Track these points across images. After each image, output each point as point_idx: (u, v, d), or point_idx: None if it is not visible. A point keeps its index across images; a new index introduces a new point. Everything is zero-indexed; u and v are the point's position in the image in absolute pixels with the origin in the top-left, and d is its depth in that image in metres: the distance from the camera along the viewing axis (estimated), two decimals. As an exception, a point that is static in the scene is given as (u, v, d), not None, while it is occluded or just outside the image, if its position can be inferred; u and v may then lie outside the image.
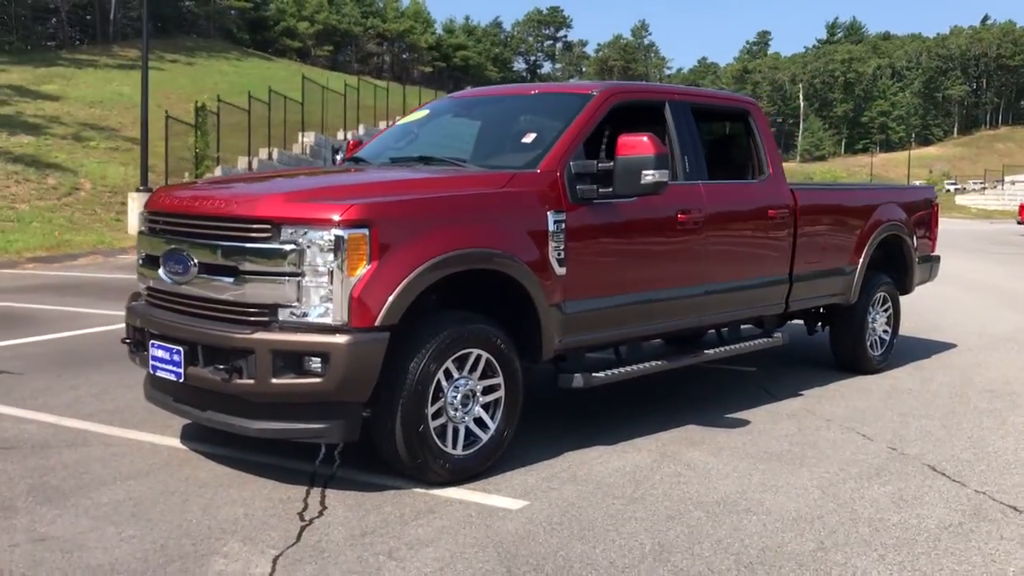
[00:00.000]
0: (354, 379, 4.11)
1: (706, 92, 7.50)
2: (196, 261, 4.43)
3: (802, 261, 6.65)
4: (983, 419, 6.11)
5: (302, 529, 3.91)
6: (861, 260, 7.22)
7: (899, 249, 7.86)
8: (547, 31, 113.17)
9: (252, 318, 4.24)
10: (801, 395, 6.72)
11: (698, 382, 7.13)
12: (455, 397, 4.50)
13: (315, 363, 4.10)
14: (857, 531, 4.05)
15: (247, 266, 4.23)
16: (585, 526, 4.02)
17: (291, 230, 4.14)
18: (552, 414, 5.95)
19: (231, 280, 4.29)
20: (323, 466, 4.73)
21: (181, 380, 4.42)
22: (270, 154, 29.18)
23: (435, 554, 3.67)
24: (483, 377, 4.64)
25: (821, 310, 7.53)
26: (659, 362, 5.63)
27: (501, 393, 4.70)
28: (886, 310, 7.75)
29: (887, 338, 7.76)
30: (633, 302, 5.35)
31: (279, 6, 72.25)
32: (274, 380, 4.12)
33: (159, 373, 4.55)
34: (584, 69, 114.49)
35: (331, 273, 4.09)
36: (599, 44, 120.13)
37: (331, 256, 4.08)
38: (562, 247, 4.88)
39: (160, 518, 4.00)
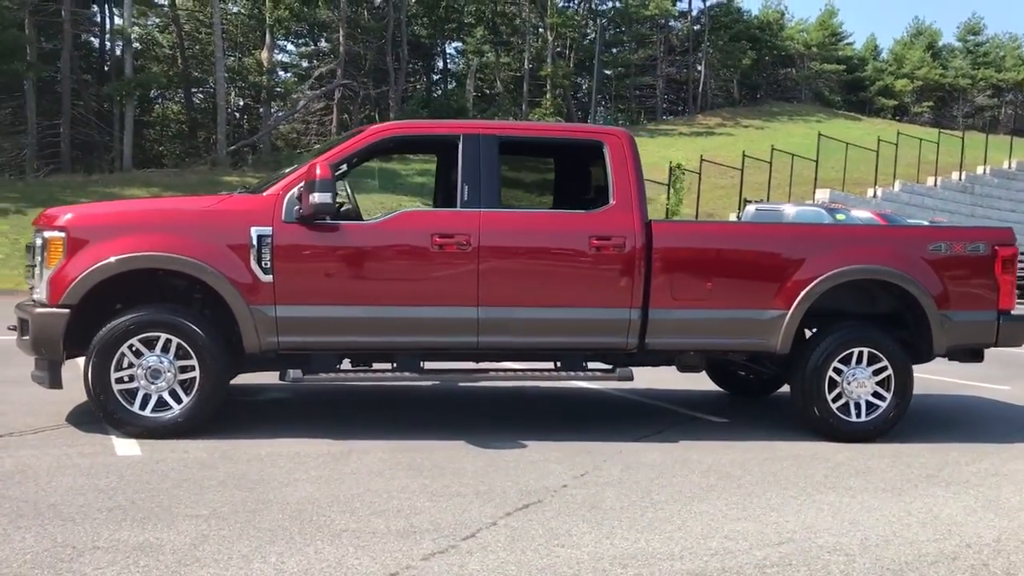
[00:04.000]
0: (41, 341, 5.66)
1: (532, 126, 7.19)
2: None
3: (667, 297, 6.12)
4: (799, 496, 5.10)
5: (-12, 441, 5.60)
6: (794, 306, 6.21)
7: (905, 301, 6.45)
8: None
9: (30, 296, 6.06)
10: (676, 443, 6.17)
11: (620, 418, 6.92)
12: (144, 370, 5.72)
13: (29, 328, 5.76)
14: (286, 525, 4.32)
15: (29, 260, 6.08)
16: (120, 475, 4.92)
17: (38, 234, 5.88)
18: (331, 410, 6.75)
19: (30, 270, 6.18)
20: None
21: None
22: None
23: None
24: (179, 358, 5.75)
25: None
26: (402, 374, 6.03)
27: (196, 374, 5.76)
28: (877, 371, 6.39)
29: (882, 404, 6.39)
30: (370, 316, 5.85)
31: (876, 66, 70.95)
32: (21, 338, 5.88)
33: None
34: None
35: (40, 264, 5.73)
36: None
37: (41, 252, 5.72)
38: (269, 258, 5.74)
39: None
